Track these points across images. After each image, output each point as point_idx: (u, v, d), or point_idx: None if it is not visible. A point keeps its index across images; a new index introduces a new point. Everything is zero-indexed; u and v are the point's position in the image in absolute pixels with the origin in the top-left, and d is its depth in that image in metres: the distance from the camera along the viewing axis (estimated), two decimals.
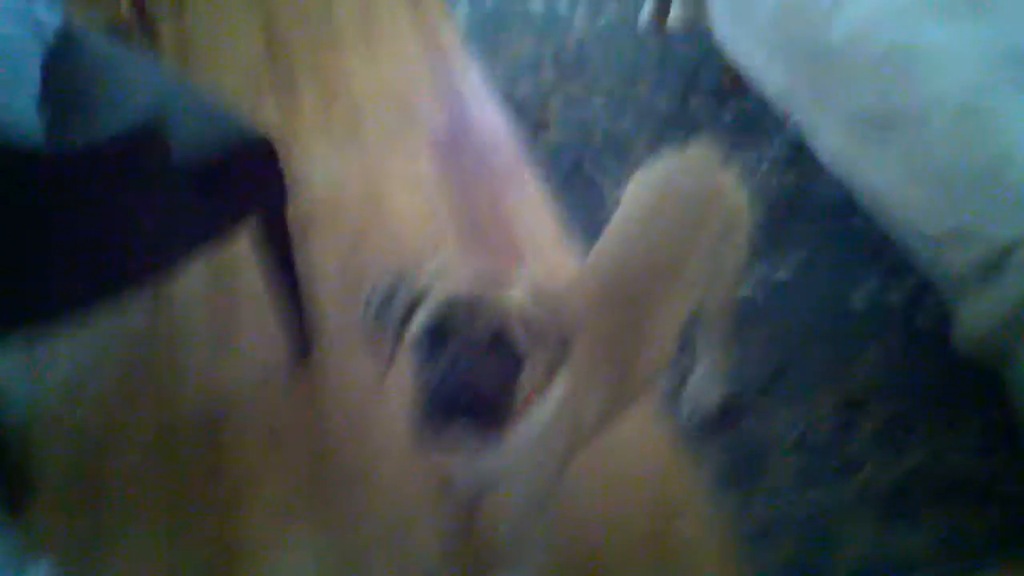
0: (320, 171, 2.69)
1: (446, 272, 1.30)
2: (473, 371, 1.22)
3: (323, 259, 2.42)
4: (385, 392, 2.11)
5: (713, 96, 2.95)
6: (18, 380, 2.11)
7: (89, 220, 1.53)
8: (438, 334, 1.24)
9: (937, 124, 2.01)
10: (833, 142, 2.28)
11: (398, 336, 1.29)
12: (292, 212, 1.92)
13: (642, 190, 1.72)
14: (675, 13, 2.82)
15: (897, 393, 2.15)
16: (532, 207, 2.62)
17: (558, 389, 1.41)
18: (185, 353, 2.21)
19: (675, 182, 1.71)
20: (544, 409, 1.41)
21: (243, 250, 2.04)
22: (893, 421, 2.10)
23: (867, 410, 2.12)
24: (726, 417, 2.09)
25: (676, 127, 2.84)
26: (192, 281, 2.31)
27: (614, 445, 1.91)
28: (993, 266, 1.89)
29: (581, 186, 2.66)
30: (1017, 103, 1.97)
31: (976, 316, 1.95)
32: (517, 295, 1.27)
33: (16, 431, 2.01)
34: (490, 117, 2.93)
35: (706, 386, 2.09)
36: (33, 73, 1.78)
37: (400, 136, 2.84)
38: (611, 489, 1.97)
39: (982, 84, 2.01)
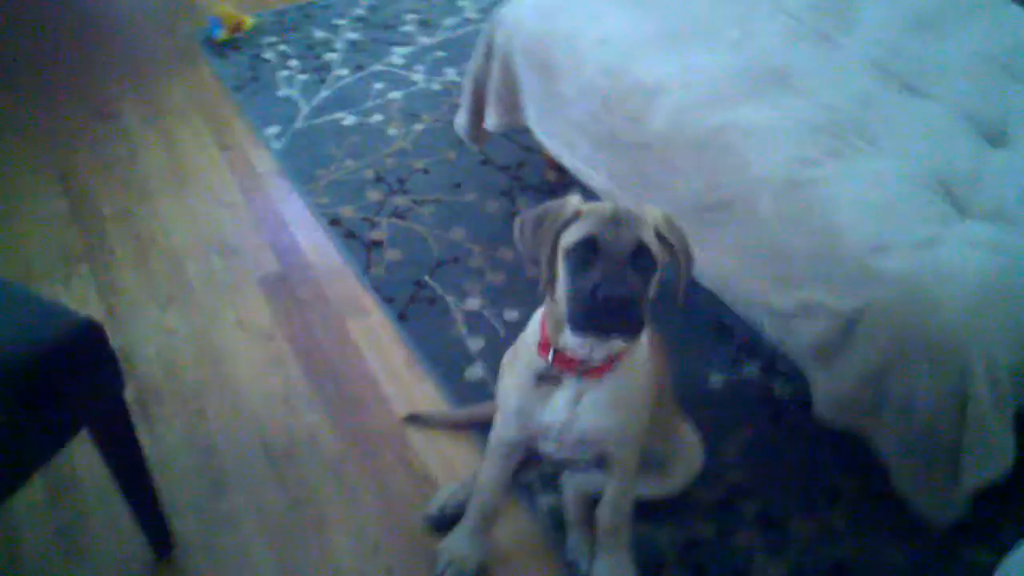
0: (150, 339, 2.50)
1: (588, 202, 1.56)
2: (622, 278, 1.45)
3: (168, 436, 2.23)
4: None
5: (540, 192, 2.96)
6: None
7: None
8: (589, 245, 1.48)
9: (766, 202, 2.06)
10: None
11: (552, 252, 1.54)
12: (127, 393, 1.75)
13: None
14: (490, 115, 2.82)
15: (769, 473, 2.13)
16: (379, 333, 2.52)
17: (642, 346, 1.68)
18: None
19: None
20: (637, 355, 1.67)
21: (82, 440, 1.79)
22: (773, 505, 2.06)
23: (744, 500, 2.07)
24: None
25: (508, 227, 2.81)
26: (28, 490, 2.03)
27: None
28: (839, 340, 1.93)
29: (425, 303, 2.59)
30: (836, 172, 2.04)
31: (830, 389, 1.97)
32: (654, 212, 1.56)
33: None
34: (320, 246, 2.82)
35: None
36: None
37: (228, 283, 2.69)
38: None
39: (802, 157, 2.07)
